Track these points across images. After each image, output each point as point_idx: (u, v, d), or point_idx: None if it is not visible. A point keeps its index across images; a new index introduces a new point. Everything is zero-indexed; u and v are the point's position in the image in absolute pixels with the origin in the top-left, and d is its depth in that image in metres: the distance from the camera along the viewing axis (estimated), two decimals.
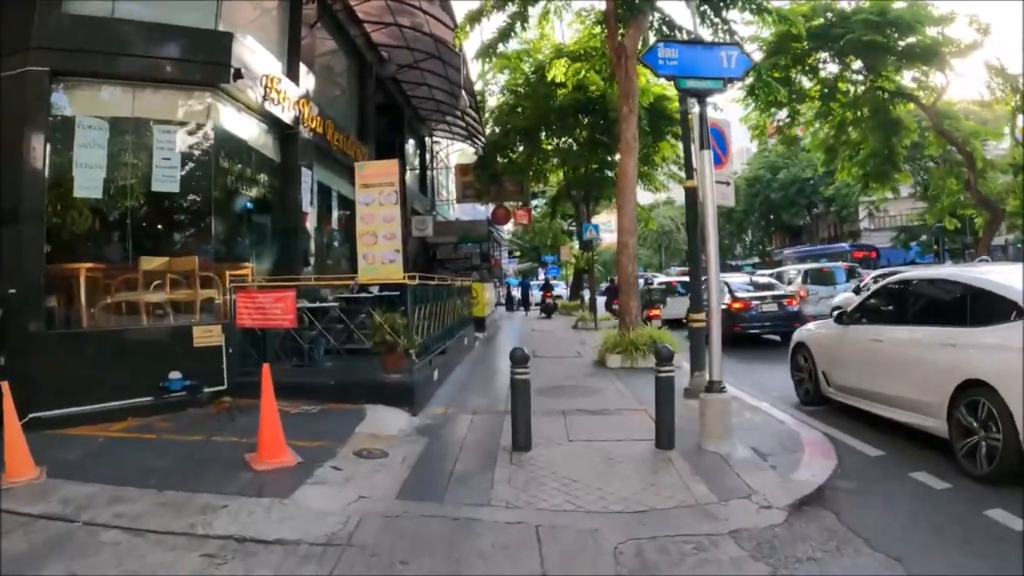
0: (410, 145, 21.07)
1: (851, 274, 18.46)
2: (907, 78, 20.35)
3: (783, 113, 21.69)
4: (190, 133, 8.48)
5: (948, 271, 8.08)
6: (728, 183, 7.80)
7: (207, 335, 7.83)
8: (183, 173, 8.36)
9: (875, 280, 13.75)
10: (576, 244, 29.57)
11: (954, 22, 18.59)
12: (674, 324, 15.28)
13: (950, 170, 23.09)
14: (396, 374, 7.18)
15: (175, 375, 7.55)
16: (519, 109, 19.45)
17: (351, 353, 8.27)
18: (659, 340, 10.60)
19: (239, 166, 9.23)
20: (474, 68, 19.96)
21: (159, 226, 8.64)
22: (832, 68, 20.68)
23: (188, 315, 7.97)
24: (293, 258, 10.15)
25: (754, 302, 14.09)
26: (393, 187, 7.07)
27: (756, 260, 59.90)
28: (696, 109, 6.12)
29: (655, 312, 16.12)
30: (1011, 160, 21.92)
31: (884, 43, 18.48)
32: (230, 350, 7.79)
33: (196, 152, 8.53)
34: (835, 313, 7.54)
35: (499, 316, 25.01)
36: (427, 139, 22.40)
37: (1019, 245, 34.10)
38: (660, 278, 24.04)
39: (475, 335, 14.48)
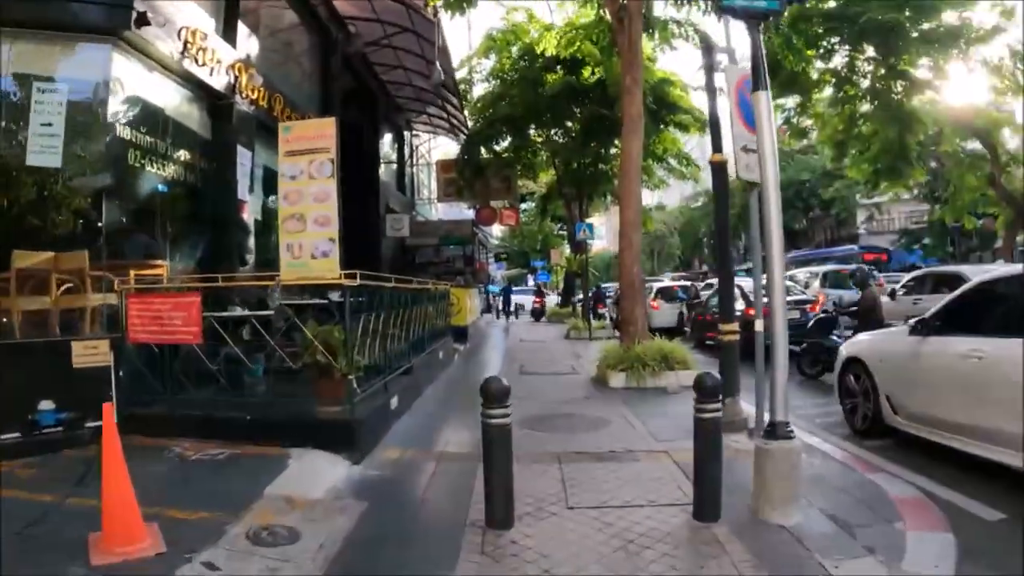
0: (387, 139, 19.25)
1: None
2: (919, 69, 18.95)
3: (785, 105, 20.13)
4: (79, 94, 6.63)
5: None
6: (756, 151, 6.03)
7: (90, 353, 5.92)
8: (74, 145, 6.54)
9: (912, 282, 12.04)
10: (567, 248, 27.82)
11: (976, 3, 17.16)
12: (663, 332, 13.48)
13: (970, 165, 21.54)
14: (333, 407, 5.34)
15: (46, 405, 5.65)
16: (505, 101, 17.69)
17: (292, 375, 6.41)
18: (671, 355, 8.86)
19: (150, 139, 7.37)
20: (456, 54, 18.27)
21: (40, 213, 6.74)
22: (844, 55, 19.22)
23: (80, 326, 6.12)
24: (226, 255, 8.28)
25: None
26: (329, 154, 5.24)
27: (750, 265, 58.23)
28: (748, 40, 4.34)
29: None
30: None
31: (903, 24, 16.97)
32: (121, 372, 5.91)
33: (88, 118, 6.67)
34: (911, 321, 5.78)
35: (486, 324, 23.18)
36: (406, 133, 20.61)
37: None
38: (664, 281, 22.34)
39: (454, 347, 12.63)
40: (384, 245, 16.82)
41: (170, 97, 7.75)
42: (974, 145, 22.19)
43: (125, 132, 6.96)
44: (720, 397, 3.96)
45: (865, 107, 20.69)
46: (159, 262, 7.42)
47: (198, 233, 8.35)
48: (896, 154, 20.42)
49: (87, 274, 6.32)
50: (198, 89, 8.11)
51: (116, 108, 6.83)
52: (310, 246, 5.19)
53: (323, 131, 5.35)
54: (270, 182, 10.32)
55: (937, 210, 39.02)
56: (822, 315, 11.22)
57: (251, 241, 9.08)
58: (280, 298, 5.23)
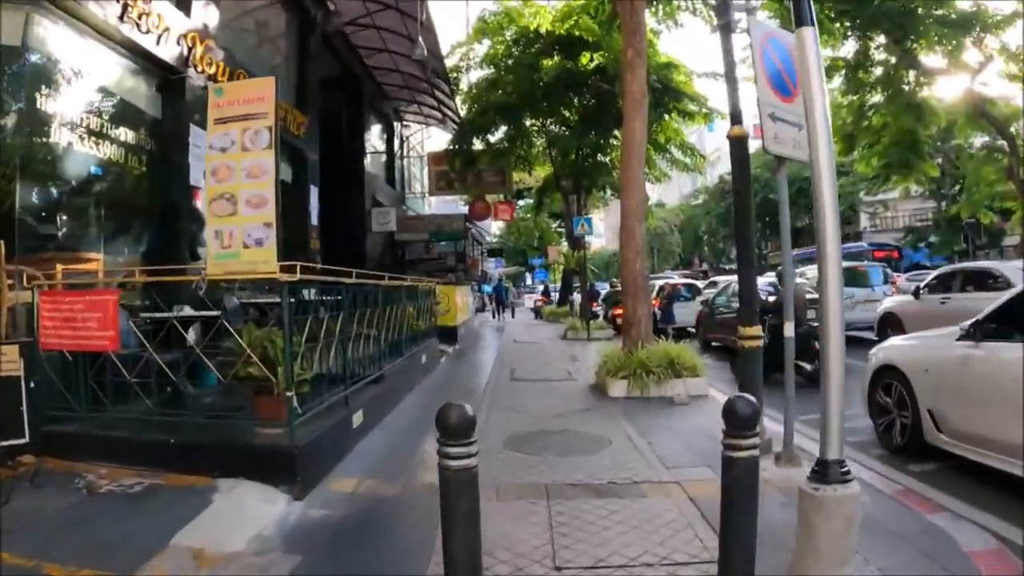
0: (375, 130, 18.29)
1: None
2: (932, 57, 18.03)
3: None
4: None
5: None
6: (799, 127, 5.07)
7: None
8: None
9: (938, 280, 11.10)
10: (565, 245, 26.85)
11: None
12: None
13: (986, 157, 20.61)
14: (271, 429, 4.39)
15: None
16: (500, 91, 16.72)
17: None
18: (679, 360, 7.91)
19: (83, 115, 6.40)
20: (451, 44, 17.33)
21: None
22: (855, 42, 18.30)
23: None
24: (175, 247, 7.33)
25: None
26: (267, 120, 4.29)
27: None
28: None
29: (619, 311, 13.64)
30: None
31: (916, 11, 16.06)
32: (32, 384, 4.98)
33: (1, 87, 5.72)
34: (964, 324, 4.85)
35: (479, 323, 22.23)
36: (396, 124, 19.64)
37: None
38: (674, 279, 21.36)
39: (441, 350, 11.69)
40: (371, 240, 15.86)
41: (108, 68, 6.79)
42: (988, 137, 21.33)
43: (49, 106, 5.99)
44: (758, 429, 3.00)
45: (876, 98, 19.96)
46: (92, 255, 6.49)
47: (143, 222, 7.40)
48: (907, 147, 19.60)
49: (1, 268, 5.38)
50: (143, 60, 7.15)
51: (37, 78, 5.87)
52: (242, 233, 4.23)
53: (261, 92, 4.40)
54: None
55: (944, 207, 38.28)
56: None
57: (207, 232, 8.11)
58: (217, 295, 4.26)
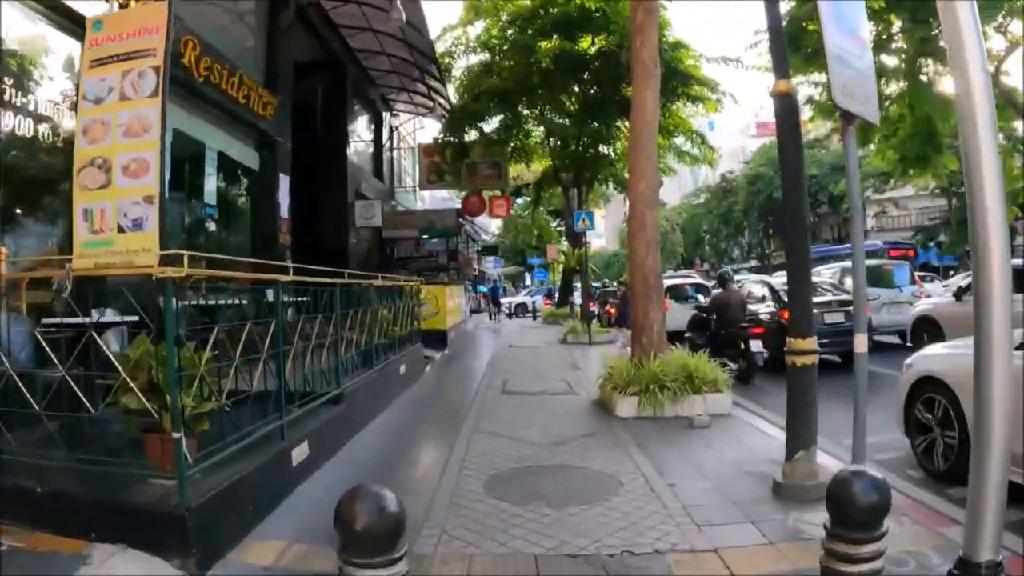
0: (361, 118, 17.11)
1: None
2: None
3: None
4: None
5: None
6: (869, 77, 3.88)
7: None
8: None
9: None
10: (564, 243, 25.67)
11: None
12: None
13: (1013, 148, 19.41)
14: (164, 479, 3.20)
15: None
16: (495, 76, 15.54)
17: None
18: (697, 373, 6.74)
19: None
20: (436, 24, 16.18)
21: None
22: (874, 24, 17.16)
23: None
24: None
25: (816, 310, 10.22)
26: (155, 59, 3.11)
27: (754, 263, 56.83)
28: None
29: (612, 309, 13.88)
30: None
31: None
32: None
33: None
34: None
35: (474, 326, 21.04)
36: (385, 114, 18.45)
37: None
38: (691, 278, 20.16)
39: (427, 357, 10.51)
40: (354, 237, 14.67)
41: (8, 21, 5.59)
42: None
43: None
44: (885, 527, 1.80)
45: (892, 88, 18.92)
46: None
47: (60, 208, 6.20)
48: (924, 140, 18.52)
49: None
50: (56, 15, 5.95)
51: None
52: (116, 211, 3.05)
53: (151, 22, 3.21)
54: (188, 152, 8.22)
55: (955, 204, 37.09)
56: (694, 312, 10.99)
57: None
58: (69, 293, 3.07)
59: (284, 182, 10.22)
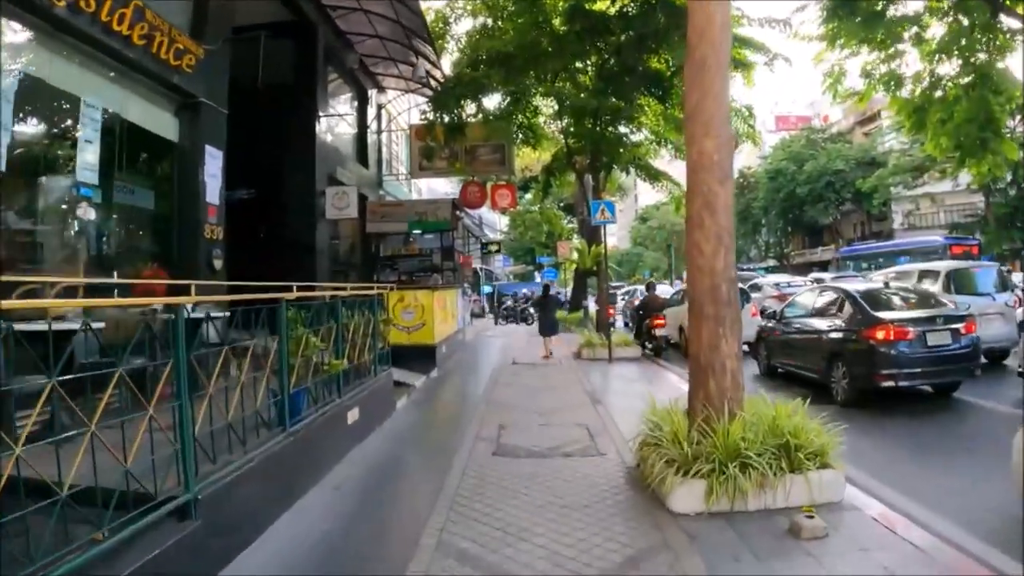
0: (342, 95, 14.64)
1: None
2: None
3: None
4: None
5: None
6: None
7: None
8: None
9: None
10: (576, 240, 23.11)
11: None
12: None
13: None
14: None
15: None
16: (497, 39, 13.07)
17: None
18: (795, 437, 4.27)
19: None
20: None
21: None
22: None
23: None
24: None
25: (913, 328, 7.68)
26: None
27: (772, 263, 54.25)
28: None
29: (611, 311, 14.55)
30: None
31: None
32: None
33: None
34: None
35: (475, 334, 18.56)
36: (372, 92, 15.98)
37: None
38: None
39: (401, 385, 8.06)
40: (328, 232, 12.22)
41: None
42: None
43: None
44: None
45: (945, 68, 16.43)
46: None
47: None
48: (981, 125, 15.96)
49: None
50: None
51: None
52: None
53: None
54: (43, 99, 5.82)
55: (994, 200, 34.30)
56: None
57: None
58: None
59: (214, 158, 7.79)
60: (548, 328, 12.78)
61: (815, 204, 46.96)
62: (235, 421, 3.69)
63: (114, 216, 7.04)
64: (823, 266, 41.92)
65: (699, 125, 4.47)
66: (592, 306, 18.09)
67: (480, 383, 9.83)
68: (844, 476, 4.47)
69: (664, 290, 21.95)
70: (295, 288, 4.40)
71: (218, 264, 7.52)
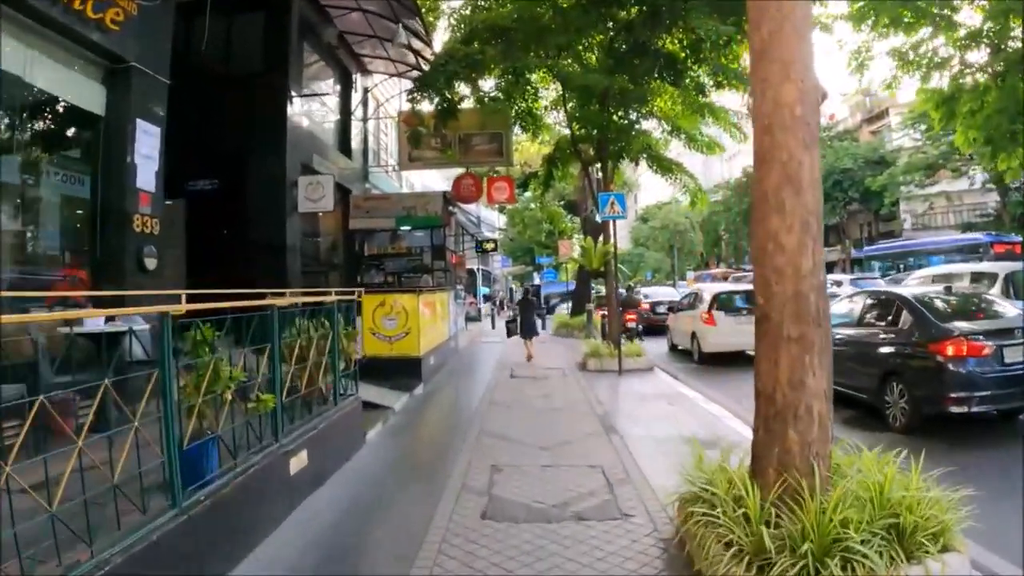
0: (319, 73, 13.29)
1: None
2: None
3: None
4: None
5: None
6: None
7: None
8: None
9: None
10: (578, 239, 21.73)
11: None
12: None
13: None
14: None
15: None
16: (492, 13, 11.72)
17: None
18: (912, 512, 2.90)
19: None
20: None
21: None
22: None
23: None
24: None
25: (990, 342, 6.34)
26: None
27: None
28: None
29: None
30: None
31: None
32: None
33: None
34: None
35: (469, 341, 17.21)
36: (358, 76, 14.61)
37: None
38: (725, 285, 16.49)
39: (378, 407, 6.72)
40: (303, 226, 10.86)
41: None
42: None
43: None
44: None
45: (974, 55, 15.51)
46: None
47: None
48: (1013, 116, 14.83)
49: None
50: None
51: None
52: None
53: None
54: None
55: (1012, 199, 33.05)
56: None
57: None
58: None
59: (149, 135, 6.41)
60: (529, 330, 12.91)
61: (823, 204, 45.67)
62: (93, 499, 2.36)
63: (15, 204, 5.68)
64: (829, 267, 40.62)
65: (775, 65, 3.13)
66: (596, 312, 16.75)
67: (472, 402, 8.45)
68: (968, 560, 3.15)
69: (668, 292, 20.80)
70: (183, 298, 3.02)
71: (151, 264, 6.14)
